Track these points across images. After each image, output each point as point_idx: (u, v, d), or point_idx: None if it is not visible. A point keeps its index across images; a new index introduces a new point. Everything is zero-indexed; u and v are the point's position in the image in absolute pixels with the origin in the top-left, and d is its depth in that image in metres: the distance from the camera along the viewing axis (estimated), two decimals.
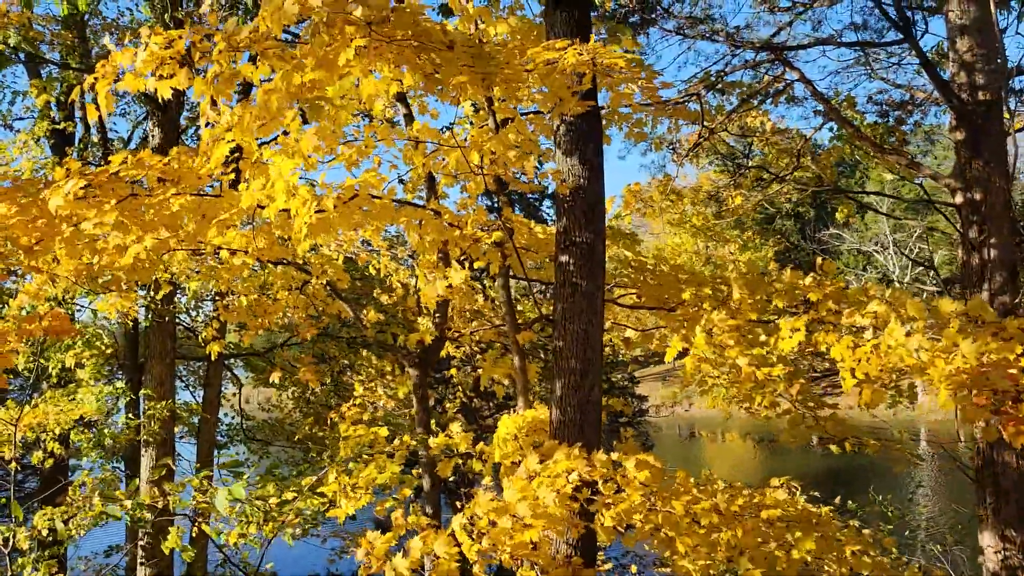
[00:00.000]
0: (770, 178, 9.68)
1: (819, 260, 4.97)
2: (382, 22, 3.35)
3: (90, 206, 3.54)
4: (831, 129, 9.02)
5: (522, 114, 6.41)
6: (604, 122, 5.67)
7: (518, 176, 6.35)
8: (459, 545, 3.68)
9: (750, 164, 10.30)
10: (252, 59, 3.95)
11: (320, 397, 17.23)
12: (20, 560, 7.32)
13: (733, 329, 4.85)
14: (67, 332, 3.53)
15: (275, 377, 8.23)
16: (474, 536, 3.67)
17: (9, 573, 7.46)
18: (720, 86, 7.98)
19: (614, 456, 4.58)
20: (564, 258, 5.28)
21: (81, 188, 3.46)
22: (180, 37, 3.51)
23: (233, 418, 17.40)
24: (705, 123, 7.79)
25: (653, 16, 8.47)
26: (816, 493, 6.56)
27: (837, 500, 7.05)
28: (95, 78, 3.51)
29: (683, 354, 5.40)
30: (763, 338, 5.29)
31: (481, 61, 3.89)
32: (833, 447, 5.64)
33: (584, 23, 5.22)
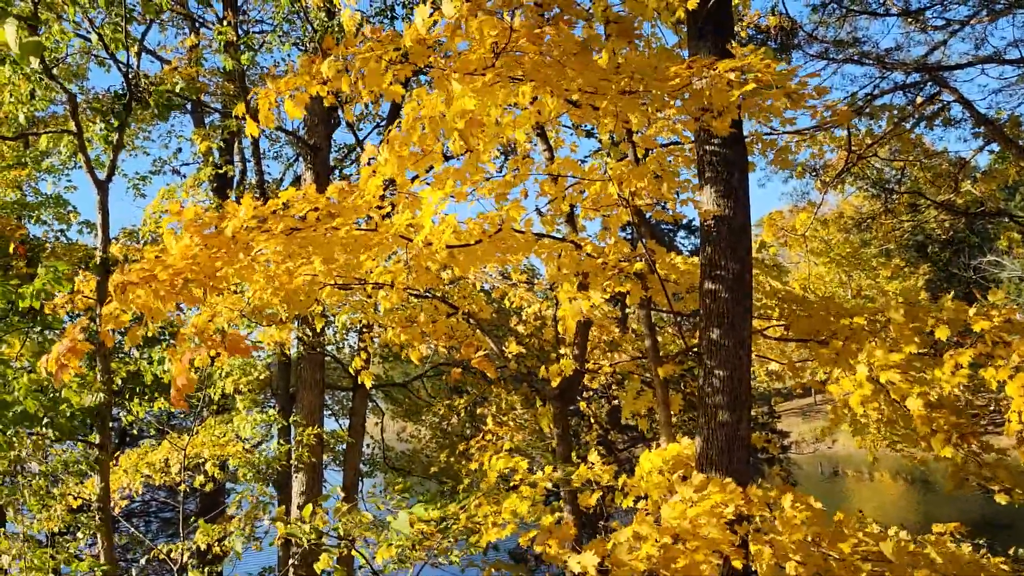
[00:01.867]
0: (925, 203, 9.17)
1: (991, 291, 4.65)
2: None
3: (261, 234, 3.82)
4: (991, 151, 8.48)
5: (661, 145, 6.40)
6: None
7: (658, 207, 6.32)
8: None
9: (902, 189, 9.80)
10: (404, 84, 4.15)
11: (456, 428, 17.57)
12: (188, 574, 7.81)
13: (897, 365, 4.60)
14: (244, 351, 3.78)
15: (456, 374, 8.46)
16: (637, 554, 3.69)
17: None
18: (868, 110, 7.67)
19: (771, 493, 4.44)
20: (709, 288, 5.18)
21: (252, 219, 3.74)
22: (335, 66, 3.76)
23: (373, 449, 17.97)
24: (853, 149, 7.50)
25: (796, 41, 8.25)
26: (980, 541, 6.06)
27: (1012, 551, 6.46)
28: (254, 94, 3.84)
29: (815, 390, 5.18)
30: (924, 375, 5.00)
31: (618, 75, 3.92)
32: (1000, 497, 5.17)
33: (729, 54, 5.16)
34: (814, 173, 9.64)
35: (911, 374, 4.69)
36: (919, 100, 7.96)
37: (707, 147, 5.22)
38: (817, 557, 3.97)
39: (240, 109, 4.17)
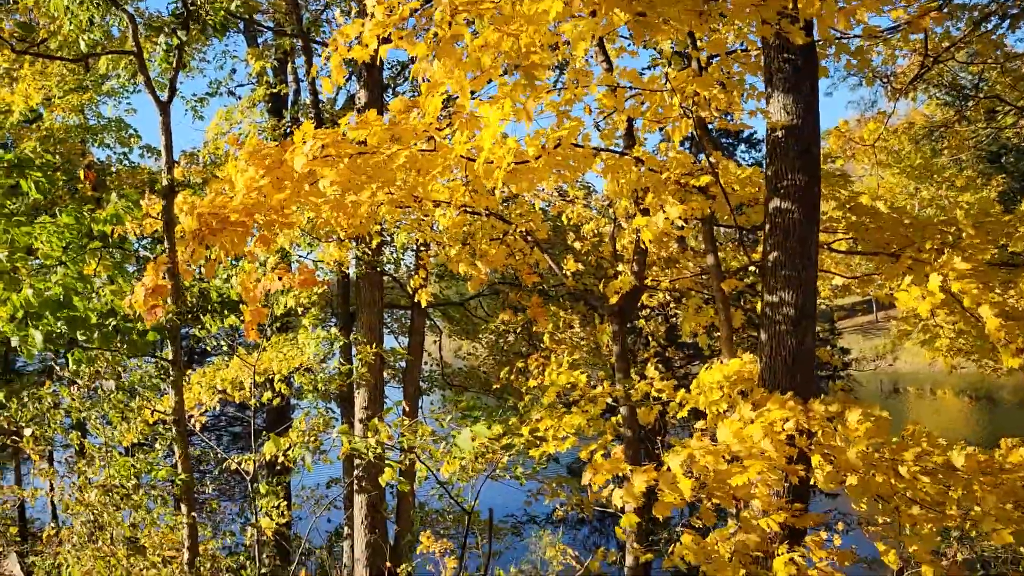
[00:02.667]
0: (1004, 109, 8.69)
1: None
2: None
3: (325, 164, 3.81)
4: None
5: (726, 53, 6.14)
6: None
7: (722, 117, 6.12)
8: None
9: (979, 95, 9.27)
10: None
11: (512, 346, 17.77)
12: (259, 484, 8.17)
13: (971, 275, 4.45)
14: (314, 283, 3.84)
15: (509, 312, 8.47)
16: (691, 475, 3.70)
17: (250, 492, 8.37)
18: (947, 9, 7.22)
19: (832, 408, 4.38)
20: (775, 201, 5.05)
21: (318, 148, 3.73)
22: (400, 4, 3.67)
23: (431, 366, 18.33)
24: (928, 52, 7.11)
25: None
26: None
27: None
28: (330, 52, 3.78)
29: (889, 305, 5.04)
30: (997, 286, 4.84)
31: None
32: None
33: None
34: (884, 80, 9.18)
35: (985, 284, 4.54)
36: None
37: (776, 54, 5.00)
38: (879, 468, 3.93)
39: (313, 71, 4.14)
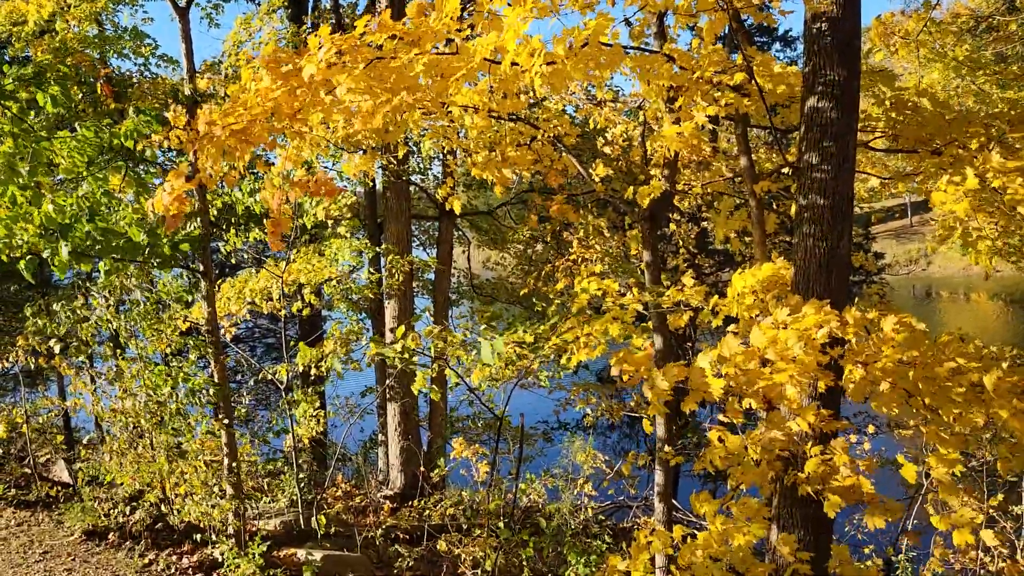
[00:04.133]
0: None
1: None
2: None
3: (340, 71, 3.67)
4: None
5: None
6: None
7: (759, 10, 5.82)
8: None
9: None
10: None
11: (540, 255, 17.71)
12: (294, 393, 8.32)
13: (1014, 171, 4.27)
14: (333, 192, 3.77)
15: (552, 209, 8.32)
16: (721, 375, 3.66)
17: (284, 401, 8.54)
18: None
19: (869, 315, 4.28)
20: (813, 98, 4.85)
21: (333, 55, 3.60)
22: None
23: (458, 277, 18.37)
24: None
25: None
26: None
27: None
28: None
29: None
30: None
31: None
32: None
33: None
34: None
35: None
36: None
37: None
38: (912, 382, 3.83)
39: None
